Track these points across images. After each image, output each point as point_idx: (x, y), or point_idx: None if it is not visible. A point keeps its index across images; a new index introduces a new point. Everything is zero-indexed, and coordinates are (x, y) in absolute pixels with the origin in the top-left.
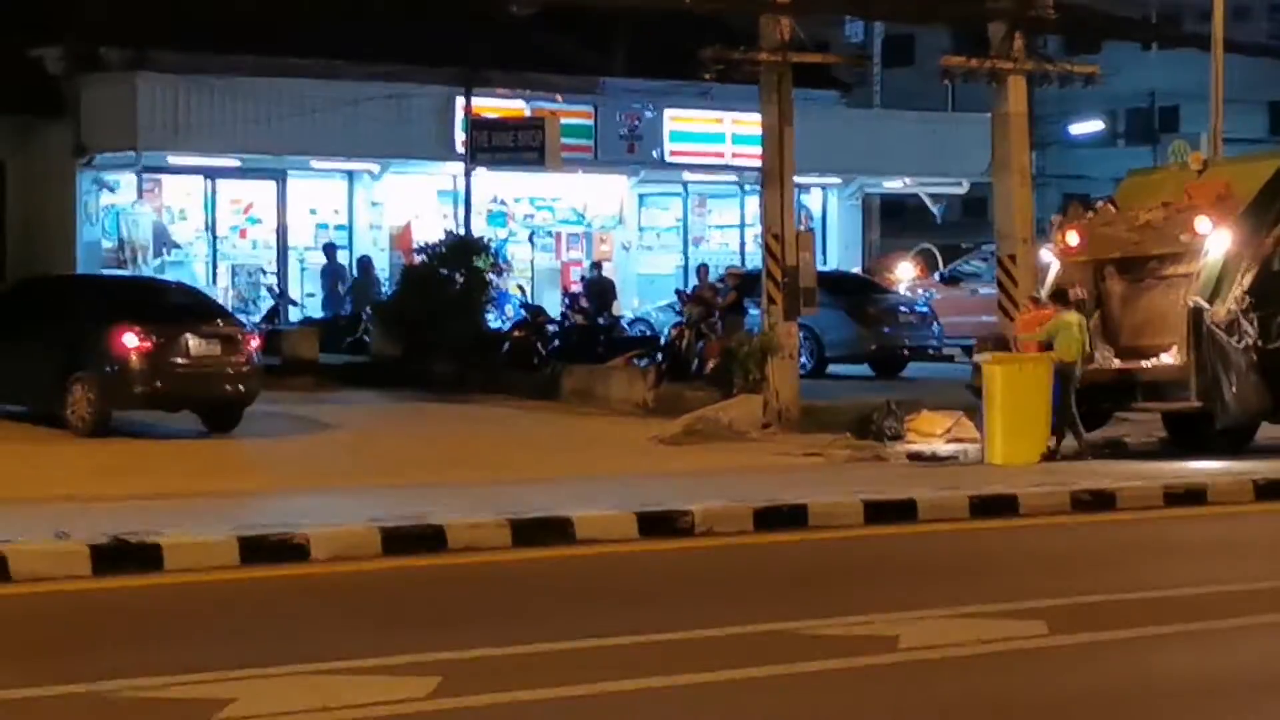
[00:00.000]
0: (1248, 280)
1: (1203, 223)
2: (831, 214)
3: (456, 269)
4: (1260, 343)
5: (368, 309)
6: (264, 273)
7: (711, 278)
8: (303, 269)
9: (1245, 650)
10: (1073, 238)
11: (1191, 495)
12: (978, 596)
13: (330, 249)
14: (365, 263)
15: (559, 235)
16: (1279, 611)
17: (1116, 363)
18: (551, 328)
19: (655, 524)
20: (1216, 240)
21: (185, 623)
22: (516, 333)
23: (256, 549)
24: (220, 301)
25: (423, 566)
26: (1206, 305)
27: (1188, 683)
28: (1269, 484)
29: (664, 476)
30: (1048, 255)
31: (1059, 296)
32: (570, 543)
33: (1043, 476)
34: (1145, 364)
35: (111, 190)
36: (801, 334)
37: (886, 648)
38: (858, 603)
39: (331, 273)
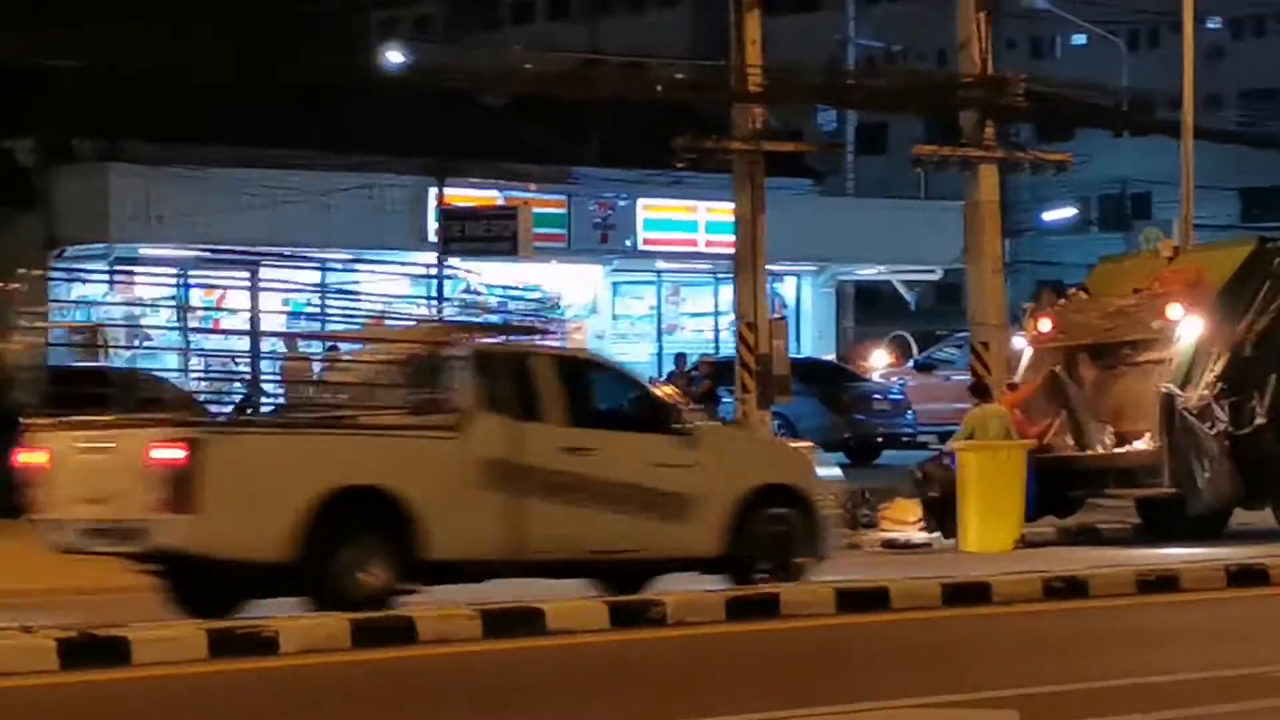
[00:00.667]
0: (1220, 366)
1: (1175, 309)
2: (805, 301)
3: None
4: (1233, 429)
5: None
6: (235, 363)
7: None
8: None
9: None
10: (1045, 324)
11: (1164, 582)
12: (951, 686)
13: None
14: None
15: None
16: (1253, 699)
17: (1099, 448)
18: None
19: (627, 614)
20: (1189, 327)
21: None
22: None
23: (225, 642)
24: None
25: (392, 659)
26: (1179, 391)
27: None
28: (1241, 570)
29: None
30: (1020, 342)
31: (978, 390)
32: (542, 633)
33: (1016, 563)
34: (1118, 450)
35: (83, 281)
36: (775, 422)
37: None
38: (830, 693)
39: None
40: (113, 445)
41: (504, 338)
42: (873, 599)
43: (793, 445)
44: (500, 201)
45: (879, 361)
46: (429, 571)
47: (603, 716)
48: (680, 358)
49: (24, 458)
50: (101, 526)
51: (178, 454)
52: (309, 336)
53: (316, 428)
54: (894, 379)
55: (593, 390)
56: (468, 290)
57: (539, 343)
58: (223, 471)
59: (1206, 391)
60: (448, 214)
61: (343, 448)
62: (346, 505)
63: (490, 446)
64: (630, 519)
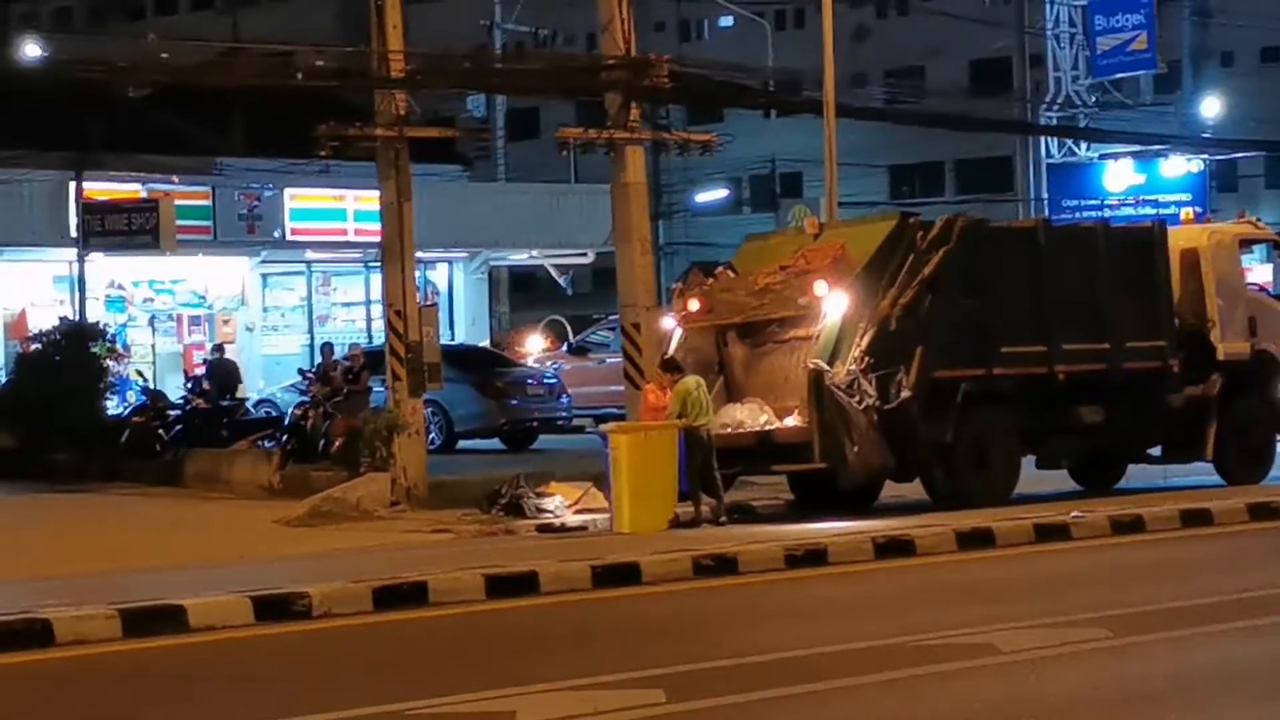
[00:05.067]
0: (866, 341)
1: (820, 285)
2: (458, 288)
3: (73, 356)
4: (880, 402)
5: None
6: None
7: (338, 355)
8: None
9: (860, 709)
10: (694, 304)
11: (812, 556)
12: (598, 667)
13: None
14: None
15: (180, 318)
16: (896, 669)
17: (748, 426)
18: (174, 412)
19: (271, 608)
20: (834, 302)
21: None
22: (136, 419)
23: None
24: None
25: (28, 663)
26: (826, 367)
27: None
28: (888, 541)
29: (287, 560)
30: (670, 322)
31: (671, 365)
32: (184, 631)
33: (667, 543)
34: (769, 427)
35: None
36: (430, 410)
37: None
38: (475, 679)
39: None
40: None
41: None
42: (522, 584)
43: None
44: (142, 194)
45: (535, 346)
46: None
47: (241, 710)
48: (327, 347)
49: None
50: None
51: None
52: None
53: None
54: (549, 364)
55: None
56: (112, 285)
57: None
58: None
59: (854, 366)
60: (88, 208)
61: None
62: None
63: None
64: None
